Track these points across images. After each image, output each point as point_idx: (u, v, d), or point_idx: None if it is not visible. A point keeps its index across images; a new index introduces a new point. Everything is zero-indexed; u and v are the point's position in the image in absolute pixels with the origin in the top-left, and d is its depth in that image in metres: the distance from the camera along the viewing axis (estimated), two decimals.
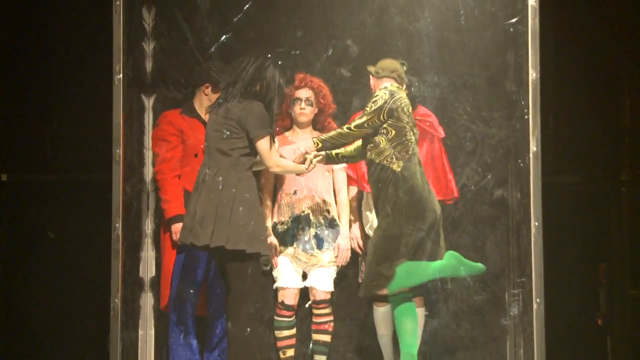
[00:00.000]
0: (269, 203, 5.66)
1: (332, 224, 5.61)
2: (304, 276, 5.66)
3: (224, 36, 5.64)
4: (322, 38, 5.74)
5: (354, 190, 5.67)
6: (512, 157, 5.63)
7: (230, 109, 5.02)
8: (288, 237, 5.59)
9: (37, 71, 6.23)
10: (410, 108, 5.18)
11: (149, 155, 5.64)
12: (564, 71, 6.21)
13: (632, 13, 6.32)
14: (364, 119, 5.10)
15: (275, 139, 5.27)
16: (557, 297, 5.58)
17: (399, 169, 5.07)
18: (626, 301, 6.34)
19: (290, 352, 5.62)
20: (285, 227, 5.60)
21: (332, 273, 5.62)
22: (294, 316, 5.63)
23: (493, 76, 5.71)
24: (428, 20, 5.63)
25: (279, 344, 5.62)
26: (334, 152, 5.30)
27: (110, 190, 5.25)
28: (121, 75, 5.27)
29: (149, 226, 5.68)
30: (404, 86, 5.28)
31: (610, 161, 6.41)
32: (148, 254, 5.68)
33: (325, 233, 5.59)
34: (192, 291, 5.49)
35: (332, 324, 5.64)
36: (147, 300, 5.66)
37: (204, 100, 5.58)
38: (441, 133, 5.61)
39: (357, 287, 5.73)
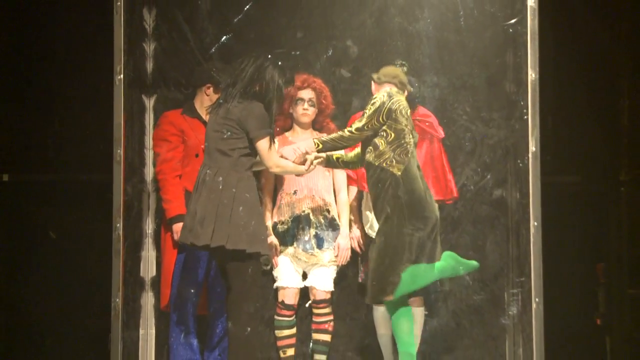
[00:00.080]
0: (269, 203, 5.67)
1: (332, 223, 5.62)
2: (304, 276, 5.67)
3: (225, 37, 5.65)
4: (322, 39, 5.75)
5: (354, 190, 5.68)
6: (511, 157, 5.64)
7: (230, 109, 5.03)
8: (288, 236, 5.60)
9: (38, 72, 6.24)
10: (409, 111, 5.18)
11: (149, 155, 5.65)
12: (563, 72, 6.21)
13: (631, 14, 6.33)
14: (364, 121, 5.11)
15: (275, 140, 5.28)
16: (556, 297, 5.58)
17: (399, 173, 5.07)
18: (625, 301, 6.34)
19: (291, 352, 5.62)
20: (286, 227, 5.61)
21: (332, 273, 5.63)
22: (294, 316, 5.63)
23: (492, 77, 5.72)
24: (428, 21, 5.64)
25: (279, 343, 5.63)
26: (334, 156, 5.31)
27: (111, 190, 5.26)
28: (122, 76, 5.27)
29: (149, 226, 5.68)
30: (405, 92, 5.28)
31: (609, 161, 6.41)
32: (149, 254, 5.69)
33: (325, 233, 5.60)
34: (192, 291, 5.50)
35: (332, 323, 5.65)
36: (148, 300, 5.67)
37: (205, 100, 5.58)
38: (441, 133, 5.62)
39: (357, 286, 5.75)
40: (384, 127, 5.10)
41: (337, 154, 5.34)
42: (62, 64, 6.20)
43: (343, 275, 5.74)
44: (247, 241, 4.92)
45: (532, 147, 5.28)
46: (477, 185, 5.73)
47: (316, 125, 5.72)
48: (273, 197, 5.70)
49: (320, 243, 5.59)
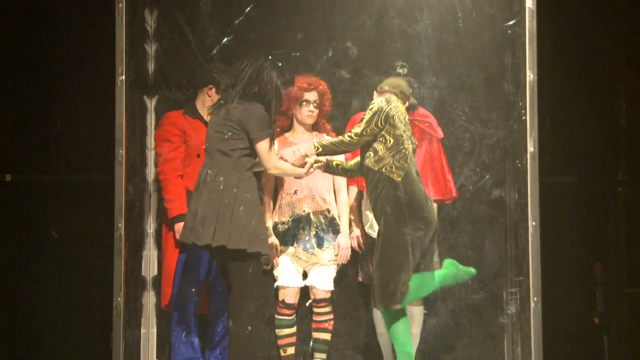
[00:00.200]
0: (269, 203, 5.69)
1: (332, 223, 5.64)
2: (304, 275, 5.68)
3: (226, 38, 5.66)
4: (322, 40, 5.75)
5: (354, 190, 5.70)
6: (509, 158, 5.64)
7: (231, 110, 5.03)
8: (289, 236, 5.62)
9: (40, 73, 6.24)
10: (407, 117, 5.18)
11: (151, 155, 5.65)
12: (560, 73, 6.20)
13: (628, 15, 6.34)
14: (363, 126, 5.10)
15: (275, 141, 5.30)
16: (554, 296, 5.60)
17: (399, 179, 5.07)
18: (622, 300, 6.33)
19: (291, 350, 5.64)
20: (286, 226, 5.63)
21: (332, 272, 5.65)
22: (295, 315, 5.65)
23: (491, 78, 5.72)
24: (427, 23, 5.64)
25: (280, 342, 5.64)
26: (334, 162, 5.31)
27: (113, 190, 5.26)
28: (124, 77, 5.27)
29: (151, 226, 5.69)
30: (406, 103, 5.29)
31: (607, 161, 6.40)
32: (150, 253, 5.69)
33: (326, 232, 5.62)
34: (194, 290, 5.52)
35: (332, 322, 5.66)
36: (149, 299, 5.67)
37: (206, 101, 5.59)
38: (440, 134, 5.63)
39: (357, 286, 5.76)
40: (383, 133, 5.09)
41: (336, 160, 5.35)
42: (64, 65, 6.21)
43: (343, 275, 5.75)
44: (247, 241, 4.93)
45: (531, 147, 5.28)
46: (476, 185, 5.74)
47: (314, 126, 5.74)
48: (273, 197, 5.72)
49: (320, 242, 5.61)
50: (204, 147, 5.18)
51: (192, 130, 5.57)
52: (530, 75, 5.30)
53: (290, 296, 5.62)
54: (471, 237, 5.74)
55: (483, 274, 5.61)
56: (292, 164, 5.19)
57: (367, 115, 5.12)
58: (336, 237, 5.62)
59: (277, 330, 5.65)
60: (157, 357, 5.68)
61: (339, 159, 5.44)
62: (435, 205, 5.37)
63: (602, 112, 6.40)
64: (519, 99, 5.44)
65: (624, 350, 6.32)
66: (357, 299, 5.75)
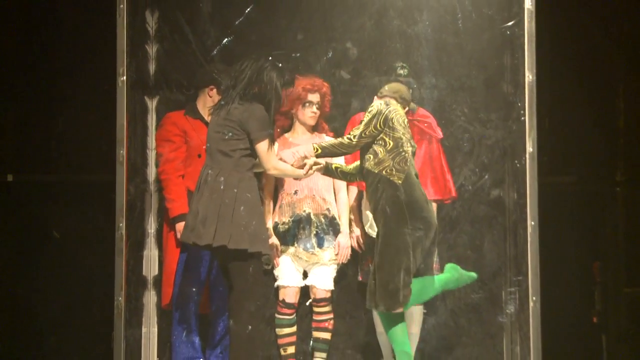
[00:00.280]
0: (270, 203, 5.71)
1: (332, 223, 5.65)
2: (305, 274, 5.70)
3: (226, 39, 5.66)
4: (322, 41, 5.75)
5: (354, 190, 5.71)
6: (508, 158, 5.65)
7: (231, 110, 5.05)
8: (289, 236, 5.63)
9: (42, 73, 6.24)
10: (406, 120, 5.18)
11: (152, 155, 5.66)
12: (559, 73, 6.20)
13: (626, 16, 6.35)
14: (362, 128, 5.09)
15: (276, 142, 5.31)
16: (553, 295, 5.59)
17: (400, 182, 5.07)
18: (621, 299, 6.33)
19: (291, 350, 5.65)
20: (287, 227, 5.64)
21: (332, 271, 5.66)
22: (295, 314, 5.66)
23: (490, 78, 5.73)
24: (426, 24, 5.64)
25: (280, 341, 5.66)
26: (333, 165, 5.31)
27: (114, 190, 5.26)
28: (125, 77, 5.27)
29: (152, 225, 5.69)
30: (406, 108, 5.29)
31: (605, 162, 6.40)
32: (151, 253, 5.70)
33: (326, 232, 5.64)
34: (194, 289, 5.53)
35: (332, 321, 5.68)
36: (150, 298, 5.69)
37: (207, 101, 5.60)
38: (439, 134, 5.64)
39: (357, 285, 5.77)
40: (382, 135, 5.09)
41: (336, 163, 5.36)
42: (65, 65, 6.20)
43: (343, 274, 5.76)
44: (248, 241, 4.95)
45: (529, 147, 5.28)
46: (475, 185, 5.75)
47: (314, 126, 5.75)
48: (274, 197, 5.73)
49: (320, 242, 5.62)
50: (204, 147, 5.19)
51: (193, 130, 5.58)
52: (529, 76, 5.31)
53: (290, 296, 5.64)
54: (470, 237, 5.75)
55: (482, 273, 5.60)
56: (292, 166, 5.20)
57: (366, 117, 5.12)
58: (336, 237, 5.64)
59: (277, 330, 5.66)
60: (158, 357, 5.69)
61: (339, 162, 5.45)
62: (434, 205, 5.38)
63: (600, 113, 6.39)
64: (518, 100, 5.44)
65: (622, 350, 6.32)
66: (357, 299, 5.75)
